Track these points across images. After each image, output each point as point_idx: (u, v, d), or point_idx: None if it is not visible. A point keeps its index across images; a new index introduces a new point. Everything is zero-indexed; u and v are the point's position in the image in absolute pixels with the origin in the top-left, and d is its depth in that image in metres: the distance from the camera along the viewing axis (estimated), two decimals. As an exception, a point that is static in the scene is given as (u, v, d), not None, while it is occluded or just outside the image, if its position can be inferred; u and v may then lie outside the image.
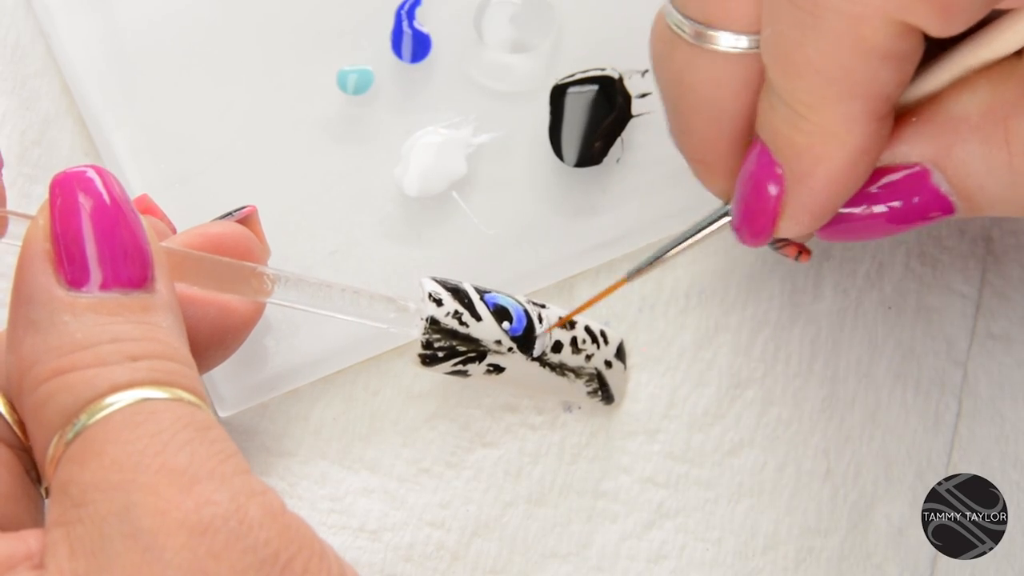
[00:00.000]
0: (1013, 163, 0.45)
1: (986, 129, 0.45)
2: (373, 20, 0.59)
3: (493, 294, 0.53)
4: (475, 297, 0.52)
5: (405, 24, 0.59)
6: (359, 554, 0.55)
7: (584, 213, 0.58)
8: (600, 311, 0.58)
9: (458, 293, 0.52)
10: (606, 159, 0.58)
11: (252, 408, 0.56)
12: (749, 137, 0.49)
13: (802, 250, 0.53)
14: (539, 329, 0.53)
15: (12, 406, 0.44)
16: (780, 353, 0.58)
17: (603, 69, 0.58)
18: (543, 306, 0.54)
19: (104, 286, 0.42)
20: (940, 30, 0.43)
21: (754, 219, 0.49)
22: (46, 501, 0.43)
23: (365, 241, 0.57)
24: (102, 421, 0.40)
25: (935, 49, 0.46)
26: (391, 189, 0.58)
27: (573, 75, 0.58)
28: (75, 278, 0.42)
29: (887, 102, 0.45)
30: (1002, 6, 0.44)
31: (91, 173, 0.43)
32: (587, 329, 0.55)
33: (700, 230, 0.51)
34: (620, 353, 0.57)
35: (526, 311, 0.53)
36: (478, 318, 0.52)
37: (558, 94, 0.58)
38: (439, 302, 0.51)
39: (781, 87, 0.45)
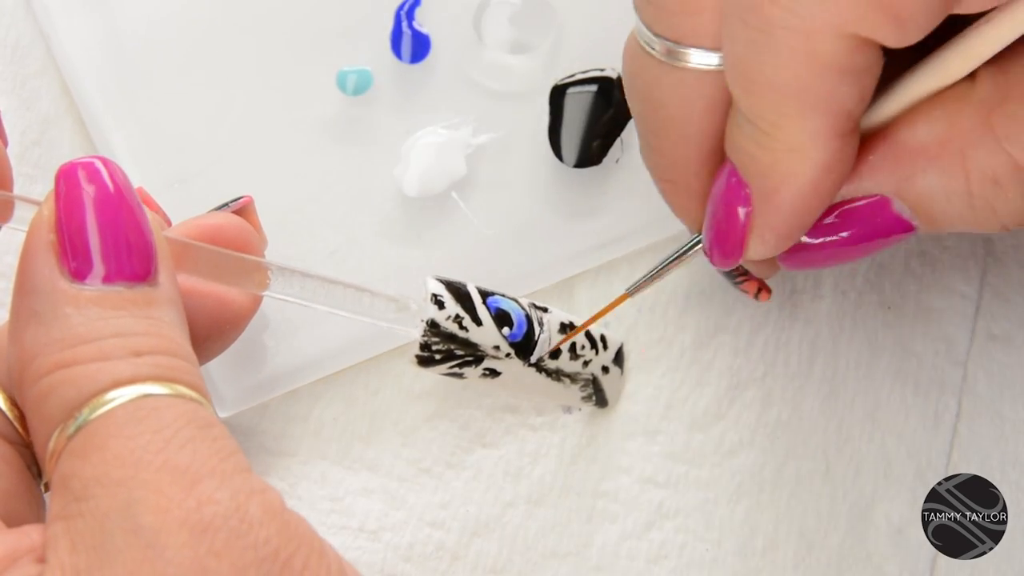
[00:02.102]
0: (972, 190, 0.46)
1: (944, 159, 0.46)
2: (372, 20, 0.59)
3: (496, 297, 0.53)
4: (478, 300, 0.52)
5: (404, 24, 0.59)
6: (359, 554, 0.55)
7: (583, 213, 0.58)
8: (600, 312, 0.58)
9: (461, 296, 0.52)
10: (605, 159, 0.58)
11: (252, 408, 0.56)
12: (718, 158, 0.48)
13: (762, 287, 0.54)
14: (539, 334, 0.53)
15: (12, 401, 0.44)
16: (780, 353, 0.58)
17: (602, 69, 0.58)
18: (545, 310, 0.54)
19: (108, 279, 0.42)
20: (896, 40, 0.43)
21: (724, 240, 0.48)
22: (46, 496, 0.43)
23: (365, 241, 0.57)
24: (104, 416, 0.40)
25: (891, 73, 0.46)
26: (391, 189, 0.58)
27: (572, 75, 0.58)
28: (79, 270, 0.42)
29: (849, 118, 0.45)
30: (958, 10, 0.43)
31: (97, 164, 0.43)
32: (587, 335, 0.55)
33: (679, 255, 0.51)
34: (619, 358, 0.57)
35: (528, 316, 0.53)
36: (479, 323, 0.52)
37: (557, 94, 0.58)
38: (441, 304, 0.51)
39: (744, 105, 0.45)
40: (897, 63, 0.46)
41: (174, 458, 0.40)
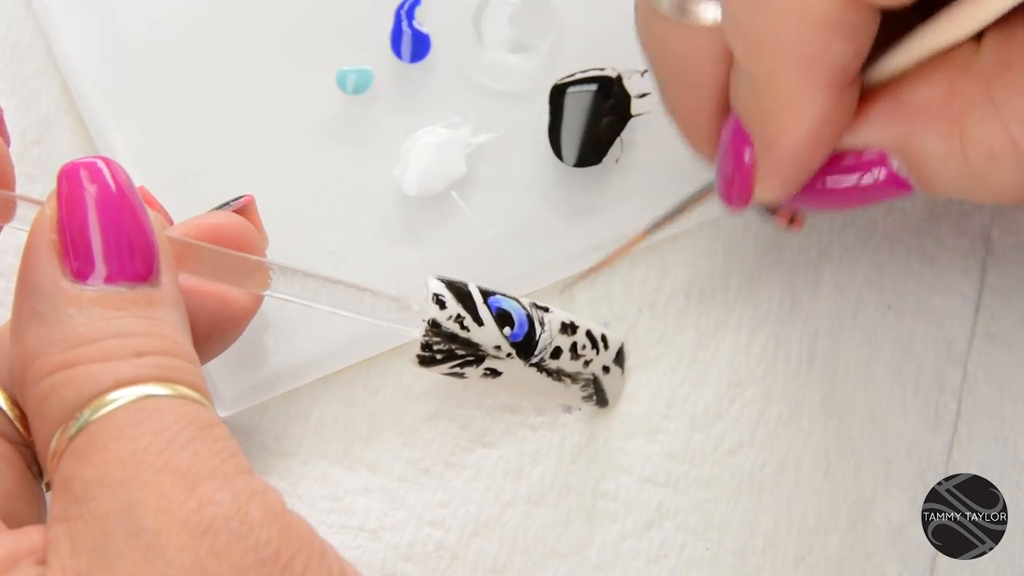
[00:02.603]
0: (966, 157, 0.46)
1: (942, 123, 0.46)
2: (372, 20, 0.59)
3: (497, 297, 0.53)
4: (479, 300, 0.52)
5: (405, 24, 0.59)
6: (359, 554, 0.55)
7: (583, 213, 0.58)
8: (600, 311, 0.58)
9: (462, 295, 0.52)
10: (605, 159, 0.58)
11: (252, 408, 0.56)
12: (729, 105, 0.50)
13: (794, 218, 0.54)
14: (540, 334, 0.53)
15: (14, 401, 0.44)
16: (780, 352, 0.58)
17: (602, 69, 0.58)
18: (546, 309, 0.54)
19: (109, 279, 0.42)
20: (887, 1, 0.44)
21: (732, 185, 0.50)
22: (47, 496, 0.43)
23: (364, 241, 0.57)
24: (106, 417, 0.40)
25: (900, 29, 0.47)
26: (390, 189, 0.58)
27: (572, 75, 0.58)
28: (81, 270, 0.42)
29: (845, 73, 0.46)
30: None
31: (99, 164, 0.43)
32: (588, 334, 0.55)
33: (696, 196, 0.53)
34: (619, 357, 0.56)
35: (529, 316, 0.53)
36: (480, 323, 0.52)
37: (557, 94, 0.58)
38: (442, 304, 0.51)
39: (742, 59, 0.47)
40: (910, 20, 0.46)
41: (175, 459, 0.40)
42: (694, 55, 0.49)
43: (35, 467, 0.44)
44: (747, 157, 0.49)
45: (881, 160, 0.48)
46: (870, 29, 0.45)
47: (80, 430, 0.40)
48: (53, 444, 0.41)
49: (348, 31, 0.59)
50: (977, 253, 0.58)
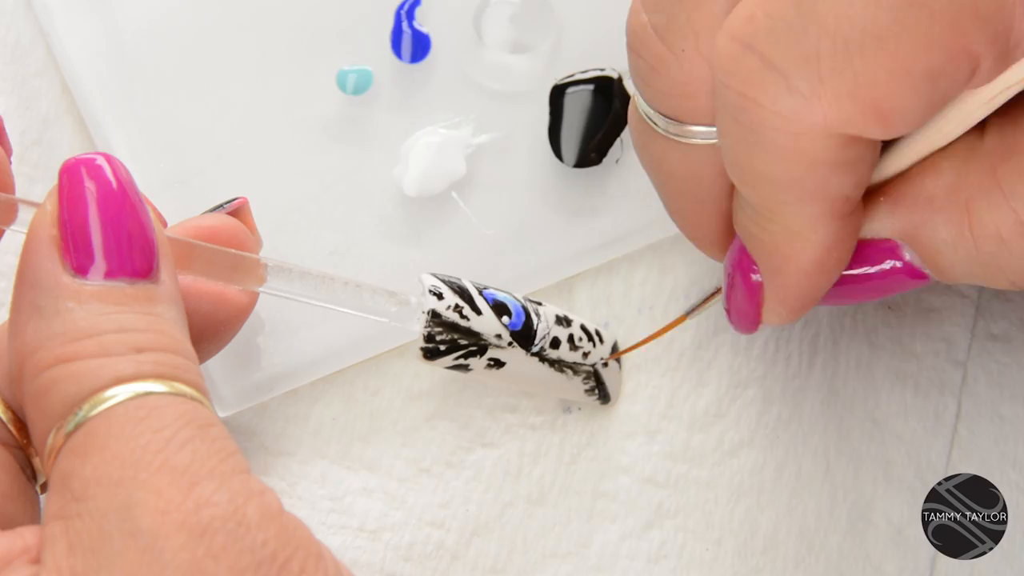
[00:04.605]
0: (977, 245, 0.45)
1: (950, 211, 0.46)
2: (372, 20, 0.59)
3: (491, 290, 0.53)
4: (474, 292, 0.52)
5: (405, 24, 0.59)
6: (358, 554, 0.55)
7: (583, 213, 0.58)
8: (600, 312, 0.58)
9: (457, 288, 0.52)
10: (605, 159, 0.58)
11: (251, 408, 0.56)
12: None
13: None
14: (537, 324, 0.53)
15: (7, 404, 0.44)
16: (780, 353, 0.58)
17: (602, 69, 0.58)
18: (539, 303, 0.54)
19: (109, 274, 0.42)
20: (884, 135, 0.43)
21: (740, 311, 0.50)
22: (42, 498, 0.43)
23: (364, 241, 0.57)
24: (104, 414, 0.40)
25: None
26: (390, 189, 0.58)
27: (572, 75, 0.58)
28: (81, 265, 0.42)
29: (847, 202, 0.45)
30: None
31: (100, 160, 0.43)
32: (583, 327, 0.55)
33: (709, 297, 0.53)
34: (615, 353, 0.57)
35: (524, 307, 0.53)
36: (478, 312, 0.52)
37: (557, 94, 0.58)
38: (439, 296, 0.52)
39: (742, 192, 0.46)
40: None
41: (173, 459, 0.40)
42: (694, 172, 0.48)
43: (29, 470, 0.44)
44: (753, 282, 0.48)
45: (893, 251, 0.47)
46: (871, 160, 0.45)
47: (78, 426, 0.40)
48: (50, 440, 0.41)
49: (348, 31, 0.59)
50: (977, 253, 0.58)
